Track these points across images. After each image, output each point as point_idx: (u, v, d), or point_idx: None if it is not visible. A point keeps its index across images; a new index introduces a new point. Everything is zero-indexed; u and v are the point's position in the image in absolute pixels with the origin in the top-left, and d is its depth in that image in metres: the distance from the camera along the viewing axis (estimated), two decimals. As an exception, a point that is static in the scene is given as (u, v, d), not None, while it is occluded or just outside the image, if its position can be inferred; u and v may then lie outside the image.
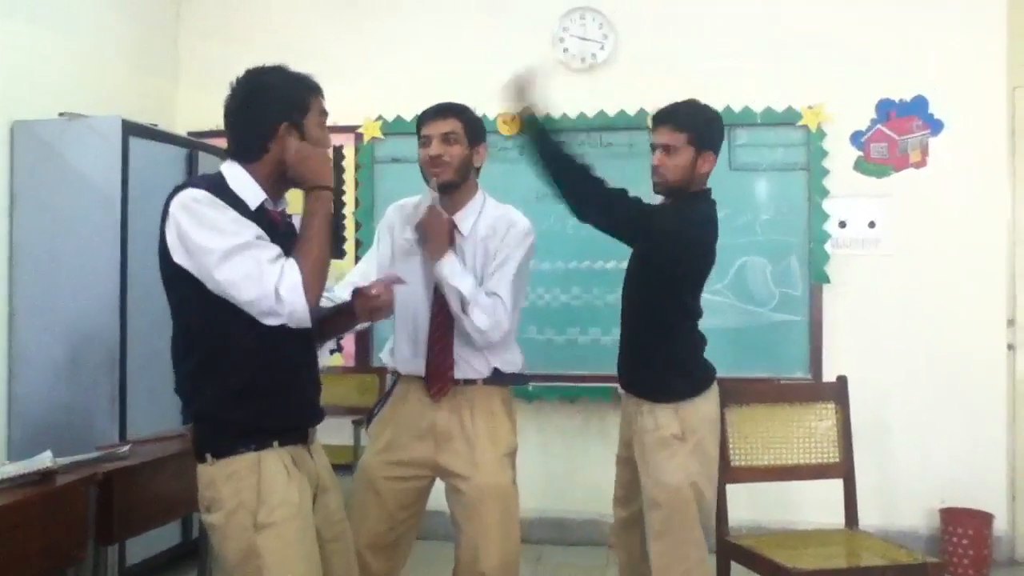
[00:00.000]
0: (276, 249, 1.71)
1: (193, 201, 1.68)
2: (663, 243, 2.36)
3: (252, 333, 1.71)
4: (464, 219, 2.34)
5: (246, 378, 1.75)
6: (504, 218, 2.35)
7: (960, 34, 3.79)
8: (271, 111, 1.77)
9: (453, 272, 2.24)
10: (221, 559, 1.78)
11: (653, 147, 2.42)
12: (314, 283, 1.70)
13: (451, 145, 2.28)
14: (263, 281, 1.66)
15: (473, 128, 2.33)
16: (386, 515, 2.32)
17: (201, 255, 1.66)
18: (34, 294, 3.28)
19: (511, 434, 2.39)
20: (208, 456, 1.76)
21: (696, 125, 2.38)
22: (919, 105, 3.83)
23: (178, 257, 1.69)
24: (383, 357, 2.49)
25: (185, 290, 1.72)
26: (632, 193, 2.37)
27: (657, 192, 2.47)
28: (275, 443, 1.77)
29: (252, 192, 1.76)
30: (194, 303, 1.72)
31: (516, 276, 2.31)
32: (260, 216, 1.76)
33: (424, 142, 2.32)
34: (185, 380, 1.80)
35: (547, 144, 2.34)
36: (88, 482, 2.27)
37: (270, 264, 1.68)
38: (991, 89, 3.77)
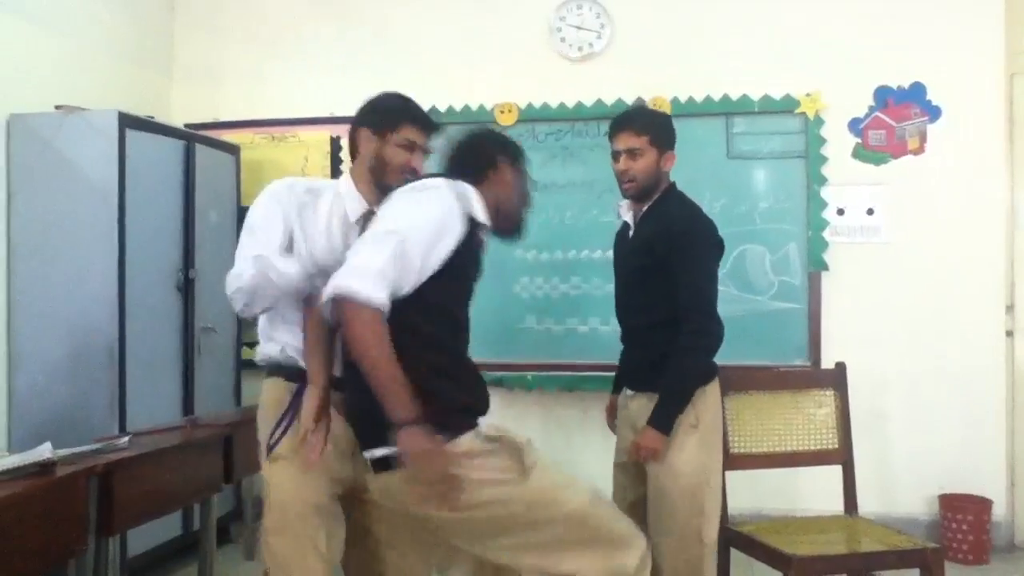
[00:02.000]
0: None
1: None
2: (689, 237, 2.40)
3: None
4: None
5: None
6: None
7: (958, 21, 3.78)
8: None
9: None
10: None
11: (615, 154, 2.47)
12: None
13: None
14: None
15: None
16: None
17: None
18: (32, 288, 3.28)
19: None
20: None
21: (655, 127, 2.47)
22: (917, 92, 3.82)
23: None
24: (263, 354, 2.11)
25: None
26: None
27: (628, 197, 2.50)
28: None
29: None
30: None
31: None
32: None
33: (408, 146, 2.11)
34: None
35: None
36: (88, 473, 2.28)
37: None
38: (989, 76, 3.76)
